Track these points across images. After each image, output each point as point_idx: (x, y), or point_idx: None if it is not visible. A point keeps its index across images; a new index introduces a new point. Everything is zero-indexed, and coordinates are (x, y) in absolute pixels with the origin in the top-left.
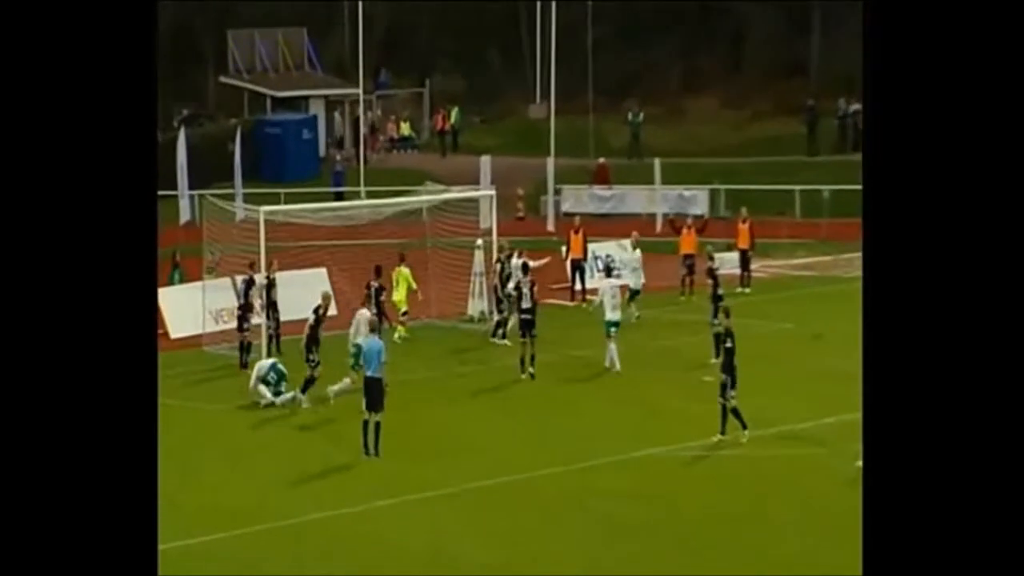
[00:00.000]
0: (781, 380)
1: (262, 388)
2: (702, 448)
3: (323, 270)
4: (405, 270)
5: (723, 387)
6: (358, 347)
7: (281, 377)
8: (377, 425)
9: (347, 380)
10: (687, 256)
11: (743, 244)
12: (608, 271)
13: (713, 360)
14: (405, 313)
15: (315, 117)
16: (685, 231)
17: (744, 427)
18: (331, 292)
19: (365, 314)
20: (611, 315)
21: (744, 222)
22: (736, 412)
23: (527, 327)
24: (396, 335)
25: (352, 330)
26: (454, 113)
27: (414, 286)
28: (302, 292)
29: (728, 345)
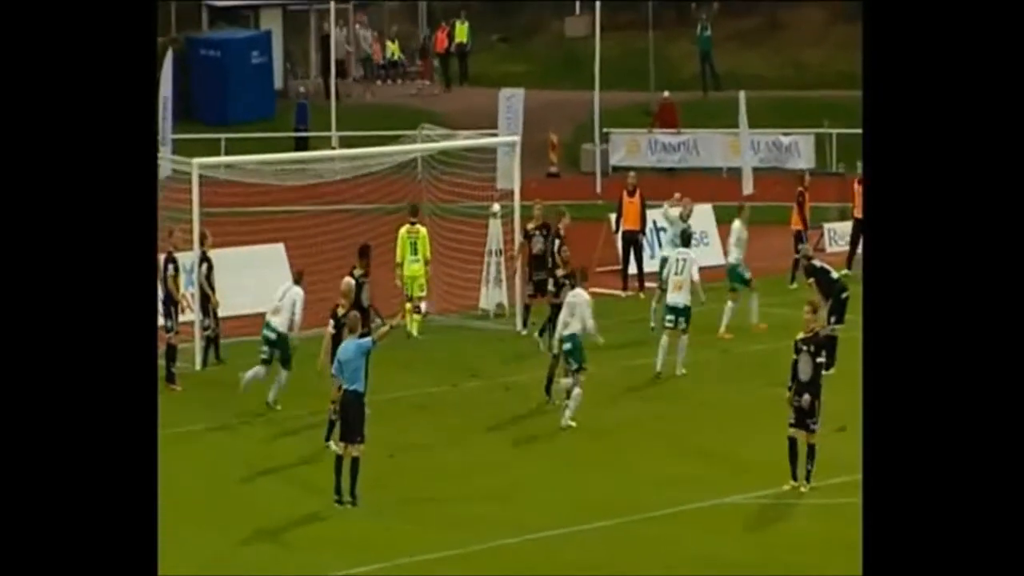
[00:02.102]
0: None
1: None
2: (773, 497)
3: (280, 246)
4: (422, 230)
5: (799, 413)
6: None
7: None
8: (355, 462)
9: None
10: (798, 232)
11: (860, 211)
12: (686, 240)
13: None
14: (421, 297)
15: (268, 34)
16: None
17: (809, 473)
18: (352, 283)
19: (351, 281)
20: (674, 297)
21: (862, 181)
22: (811, 450)
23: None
24: (410, 329)
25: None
26: (462, 29)
27: (429, 256)
28: (250, 276)
29: (820, 359)
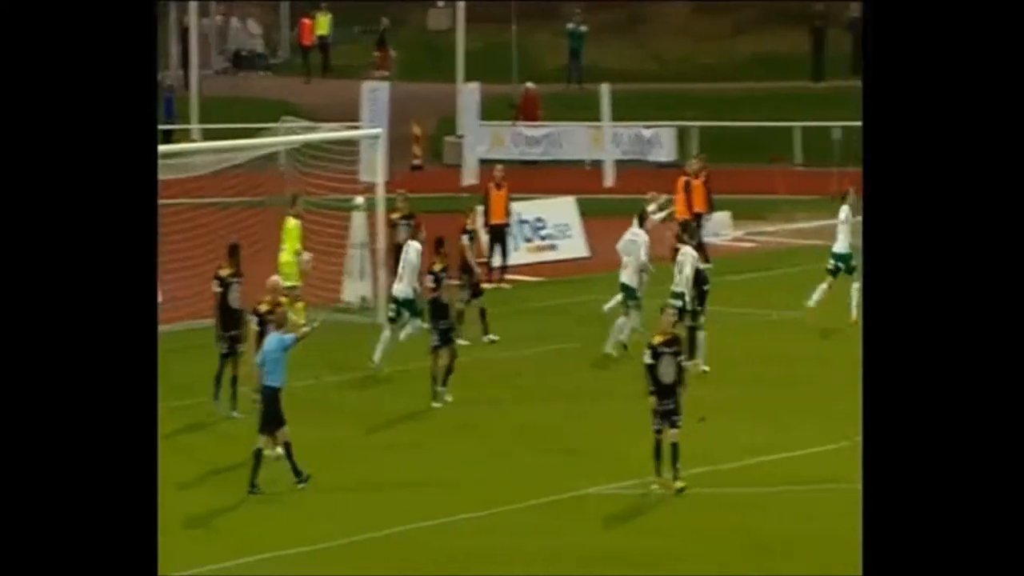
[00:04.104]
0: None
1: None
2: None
3: None
4: (292, 222)
5: (664, 416)
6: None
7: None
8: (287, 446)
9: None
10: (685, 222)
11: (698, 206)
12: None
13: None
14: (293, 287)
15: None
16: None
17: (678, 471)
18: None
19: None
20: (626, 277)
21: (698, 175)
22: (675, 449)
23: (445, 333)
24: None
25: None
26: (323, 21)
27: (299, 247)
28: None
29: (682, 359)
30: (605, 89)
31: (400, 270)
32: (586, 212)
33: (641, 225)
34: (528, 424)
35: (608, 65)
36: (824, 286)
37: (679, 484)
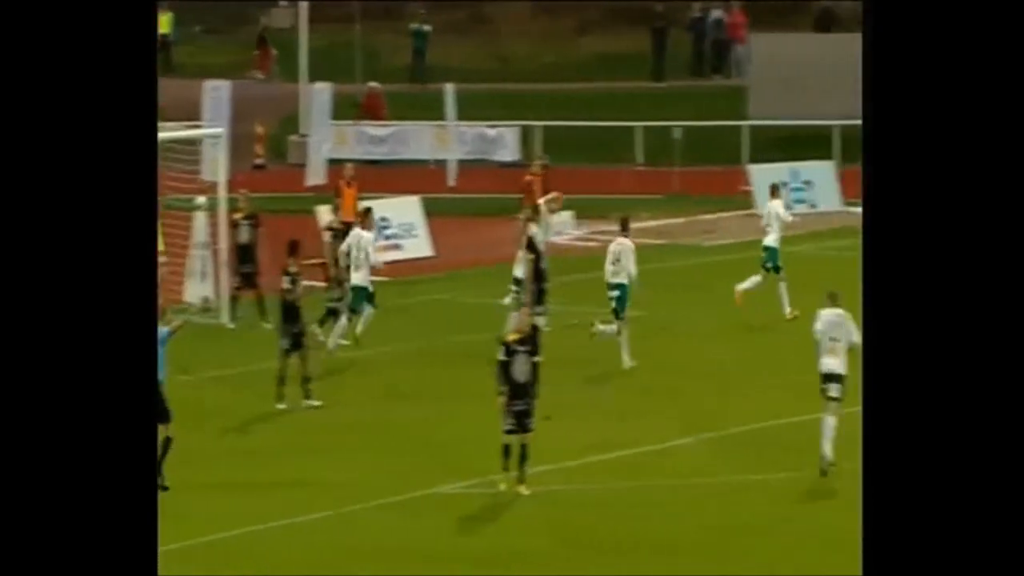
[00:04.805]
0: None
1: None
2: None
3: None
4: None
5: (518, 417)
6: None
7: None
8: (167, 441)
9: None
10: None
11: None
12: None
13: None
14: None
15: None
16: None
17: (524, 474)
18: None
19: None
20: (612, 275)
21: (538, 172)
22: (525, 451)
23: (296, 338)
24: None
25: None
26: (164, 19)
27: (162, 247)
28: None
29: (536, 357)
30: (449, 89)
31: (356, 259)
32: (431, 211)
33: (624, 231)
34: (377, 423)
35: (452, 65)
36: (758, 278)
37: (525, 491)
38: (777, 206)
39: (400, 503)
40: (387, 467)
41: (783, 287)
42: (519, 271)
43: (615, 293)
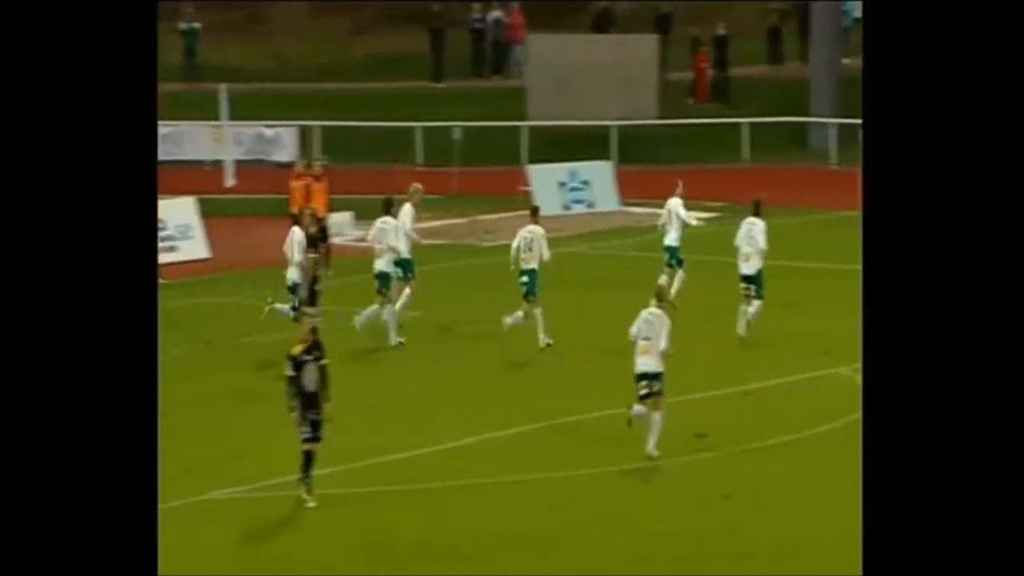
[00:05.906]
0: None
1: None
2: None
3: None
4: None
5: (314, 427)
6: None
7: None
8: None
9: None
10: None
11: (319, 208)
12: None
13: None
14: None
15: None
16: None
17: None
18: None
19: None
20: (524, 262)
21: (303, 172)
22: (311, 457)
23: None
24: None
25: None
26: None
27: None
28: None
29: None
30: (223, 88)
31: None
32: (207, 212)
33: (534, 218)
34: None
35: (228, 64)
36: (665, 278)
37: (312, 503)
38: (677, 205)
39: (182, 507)
40: (172, 473)
41: (679, 279)
42: (294, 275)
43: (525, 279)
